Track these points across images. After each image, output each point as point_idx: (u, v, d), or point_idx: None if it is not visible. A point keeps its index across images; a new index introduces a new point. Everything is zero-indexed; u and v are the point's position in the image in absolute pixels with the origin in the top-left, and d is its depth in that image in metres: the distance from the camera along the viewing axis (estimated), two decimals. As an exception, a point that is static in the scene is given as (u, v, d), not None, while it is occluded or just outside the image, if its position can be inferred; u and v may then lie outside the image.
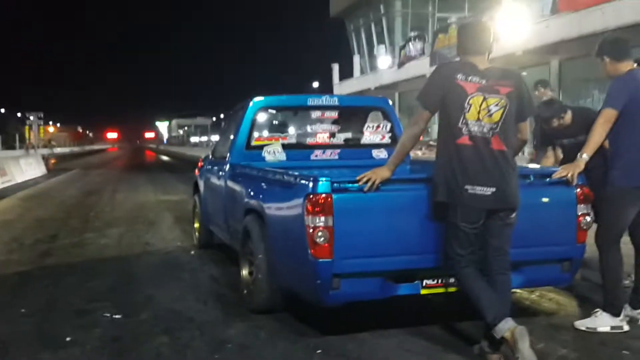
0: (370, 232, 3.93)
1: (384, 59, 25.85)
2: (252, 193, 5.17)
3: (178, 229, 9.65)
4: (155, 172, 28.58)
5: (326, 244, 3.82)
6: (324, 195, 3.83)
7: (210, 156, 7.42)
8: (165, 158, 56.37)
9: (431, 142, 14.25)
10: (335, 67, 31.23)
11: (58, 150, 61.86)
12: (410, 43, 22.83)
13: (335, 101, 6.47)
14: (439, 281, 4.17)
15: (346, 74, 32.27)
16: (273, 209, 4.60)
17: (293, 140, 6.39)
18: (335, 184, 3.87)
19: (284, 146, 6.29)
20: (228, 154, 6.34)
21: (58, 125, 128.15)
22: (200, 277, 6.32)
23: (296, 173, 4.32)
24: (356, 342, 4.22)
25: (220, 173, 6.42)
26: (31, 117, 59.56)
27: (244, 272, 5.19)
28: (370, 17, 29.78)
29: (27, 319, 4.97)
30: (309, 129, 6.49)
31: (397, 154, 3.98)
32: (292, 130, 6.50)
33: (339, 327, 4.44)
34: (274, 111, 6.48)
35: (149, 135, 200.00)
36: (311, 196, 3.87)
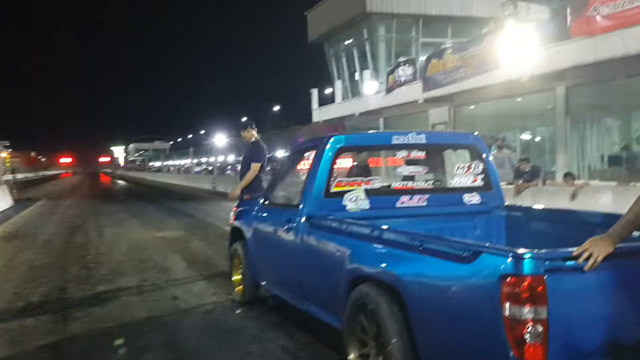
0: (589, 325, 3.01)
1: (370, 84, 25.12)
2: (366, 257, 4.19)
3: (199, 276, 8.58)
4: (129, 202, 27.25)
5: (538, 343, 2.89)
6: (533, 277, 2.90)
7: (263, 201, 6.39)
8: (128, 184, 54.48)
9: None
10: (314, 93, 30.42)
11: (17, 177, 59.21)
12: (399, 68, 22.15)
13: (422, 138, 5.57)
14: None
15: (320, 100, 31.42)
16: (423, 284, 3.63)
17: (376, 185, 5.47)
18: (547, 262, 2.94)
19: (366, 192, 5.37)
20: (300, 202, 5.37)
21: (10, 150, 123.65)
22: (272, 351, 5.26)
23: (471, 242, 3.38)
24: None
25: (288, 225, 5.42)
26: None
27: (352, 356, 4.22)
28: (352, 42, 29.10)
29: None
30: (393, 171, 5.60)
31: (628, 221, 3.01)
32: (374, 173, 5.59)
33: None
34: (354, 151, 5.56)
35: (104, 159, 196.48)
36: (511, 279, 2.94)
